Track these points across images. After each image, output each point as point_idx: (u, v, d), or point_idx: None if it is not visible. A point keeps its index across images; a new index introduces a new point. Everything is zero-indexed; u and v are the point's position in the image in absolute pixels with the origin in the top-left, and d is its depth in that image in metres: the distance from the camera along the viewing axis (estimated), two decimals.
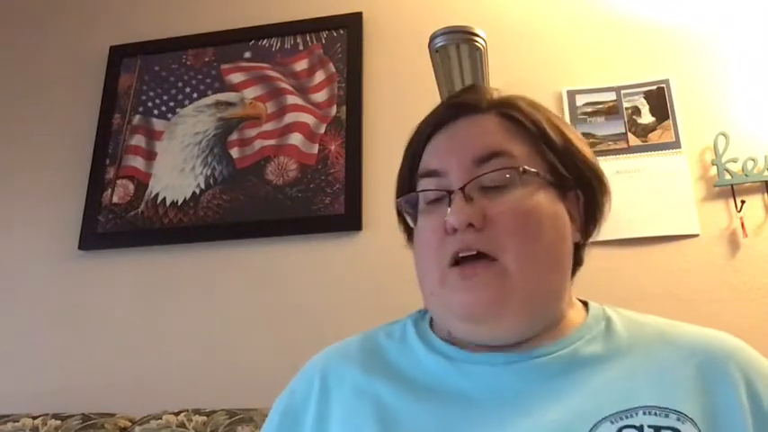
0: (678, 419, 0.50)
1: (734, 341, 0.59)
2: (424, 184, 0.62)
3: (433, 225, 0.60)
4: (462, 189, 0.57)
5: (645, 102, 1.57)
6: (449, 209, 0.57)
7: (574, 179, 0.62)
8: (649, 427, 0.50)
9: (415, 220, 0.64)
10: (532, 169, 0.59)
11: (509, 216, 0.57)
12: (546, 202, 0.59)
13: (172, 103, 1.83)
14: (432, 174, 0.62)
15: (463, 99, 0.65)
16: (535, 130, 0.61)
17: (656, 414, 0.50)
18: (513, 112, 0.62)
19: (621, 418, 0.50)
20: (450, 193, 0.58)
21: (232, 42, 1.86)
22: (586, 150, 0.64)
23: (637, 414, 0.51)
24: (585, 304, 0.66)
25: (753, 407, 0.52)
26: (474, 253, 0.56)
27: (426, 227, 0.61)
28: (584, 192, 0.64)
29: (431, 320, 0.68)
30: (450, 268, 0.57)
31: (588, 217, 0.65)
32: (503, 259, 0.56)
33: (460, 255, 0.57)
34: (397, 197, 0.67)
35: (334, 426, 0.60)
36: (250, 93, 1.79)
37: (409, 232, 0.69)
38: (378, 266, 1.53)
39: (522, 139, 0.61)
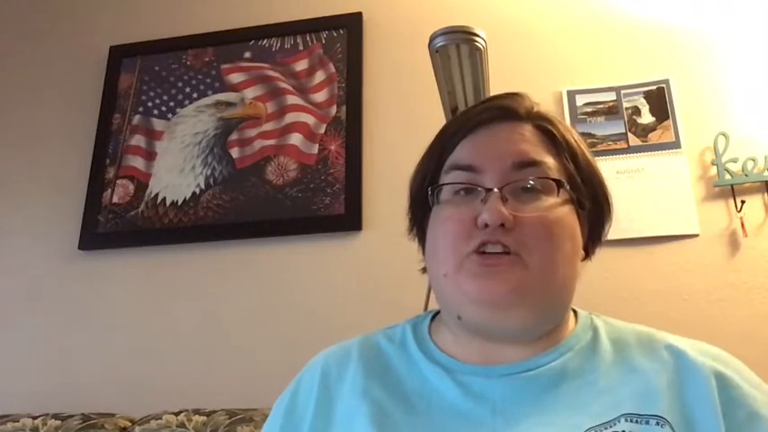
0: (657, 423, 0.53)
1: (709, 348, 0.62)
2: (455, 175, 0.63)
3: (460, 215, 0.61)
4: (501, 189, 0.59)
5: (645, 102, 1.57)
6: (484, 205, 0.59)
7: (589, 199, 0.65)
8: None
9: (429, 208, 0.66)
10: (567, 185, 0.62)
11: (537, 222, 0.59)
12: (568, 215, 0.62)
13: (172, 103, 1.83)
14: (466, 168, 0.63)
15: (506, 104, 0.66)
16: (566, 147, 0.64)
17: (636, 421, 0.53)
18: (549, 127, 0.65)
19: (605, 428, 0.53)
20: (487, 190, 0.60)
21: (232, 42, 1.86)
22: (602, 174, 0.67)
23: (619, 421, 0.53)
24: (574, 312, 0.68)
25: (724, 407, 0.55)
26: (499, 250, 0.58)
27: (452, 216, 0.62)
28: (594, 212, 0.66)
29: (429, 328, 0.69)
30: (470, 255, 0.59)
31: (591, 237, 0.67)
32: (525, 257, 0.58)
33: (486, 250, 0.58)
34: (418, 185, 0.68)
35: (334, 425, 0.60)
36: (250, 93, 1.79)
37: (417, 221, 0.69)
38: (378, 266, 1.53)
39: (553, 154, 0.64)
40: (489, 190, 0.60)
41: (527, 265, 0.58)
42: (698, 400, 0.55)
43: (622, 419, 0.53)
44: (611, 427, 0.53)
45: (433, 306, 0.71)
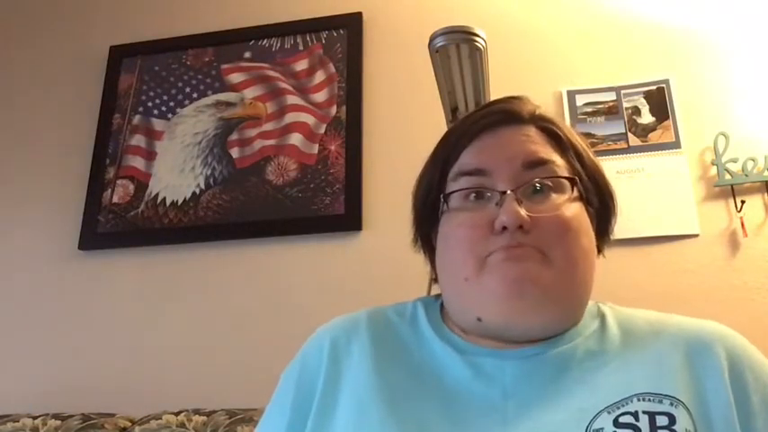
0: (671, 404, 0.52)
1: (720, 328, 0.61)
2: (464, 181, 0.63)
3: (473, 220, 0.60)
4: (515, 191, 0.59)
5: (645, 102, 1.57)
6: (499, 207, 0.58)
7: (596, 196, 0.65)
8: (644, 412, 0.52)
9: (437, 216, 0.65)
10: (579, 183, 0.62)
11: (554, 221, 0.59)
12: (581, 212, 0.62)
13: (172, 103, 1.83)
14: (475, 172, 0.62)
15: (508, 107, 0.66)
16: (570, 147, 0.65)
17: (649, 400, 0.53)
18: (552, 128, 0.65)
19: (618, 407, 0.53)
20: (502, 193, 0.59)
21: (232, 42, 1.85)
22: (605, 173, 0.68)
23: (632, 401, 0.53)
24: None
25: (735, 389, 0.54)
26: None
27: (465, 221, 0.61)
28: (601, 209, 0.66)
29: (441, 310, 0.68)
30: (489, 256, 0.58)
31: (600, 234, 0.67)
32: (549, 254, 0.58)
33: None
34: (423, 194, 0.68)
35: (343, 396, 0.60)
36: (250, 93, 1.79)
37: (424, 232, 0.69)
38: (378, 266, 1.53)
39: (559, 153, 0.64)
40: (503, 193, 0.59)
41: (551, 261, 0.57)
42: (711, 384, 0.55)
43: (635, 399, 0.53)
44: (624, 407, 0.52)
45: None
